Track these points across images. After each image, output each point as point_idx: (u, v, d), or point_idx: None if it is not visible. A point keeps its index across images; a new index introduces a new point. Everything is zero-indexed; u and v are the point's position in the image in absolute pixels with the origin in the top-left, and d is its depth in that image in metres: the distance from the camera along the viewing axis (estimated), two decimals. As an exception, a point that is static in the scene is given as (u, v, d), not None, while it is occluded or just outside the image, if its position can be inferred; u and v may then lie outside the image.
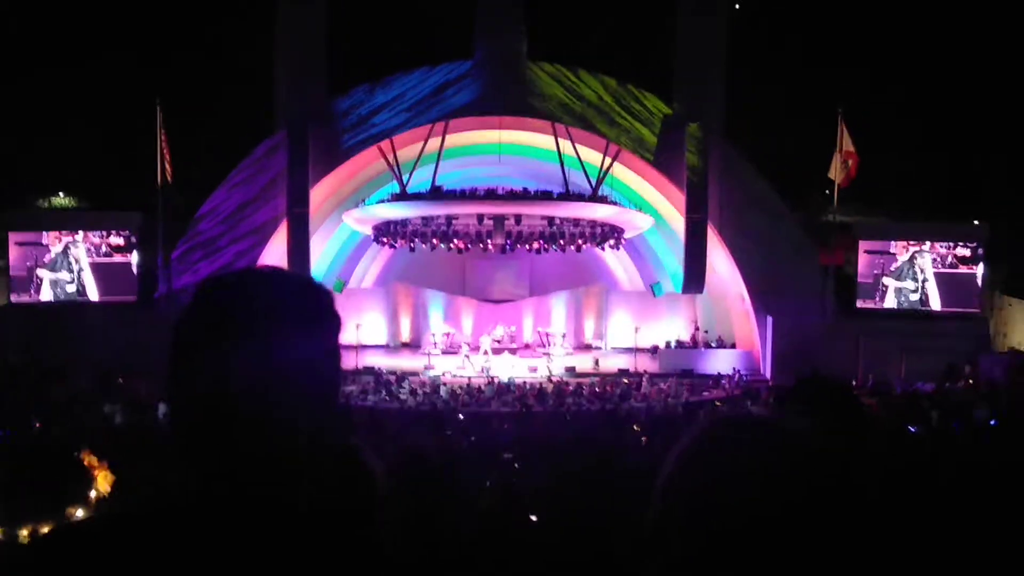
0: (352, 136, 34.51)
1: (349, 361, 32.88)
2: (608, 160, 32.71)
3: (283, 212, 32.65)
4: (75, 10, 42.32)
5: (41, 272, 33.15)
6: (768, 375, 32.21)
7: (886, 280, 33.97)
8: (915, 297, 33.90)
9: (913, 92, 41.59)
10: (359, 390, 29.73)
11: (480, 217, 31.79)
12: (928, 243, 33.84)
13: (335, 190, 34.13)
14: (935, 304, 33.71)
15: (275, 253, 32.29)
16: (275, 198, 33.22)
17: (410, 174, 32.46)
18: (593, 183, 32.26)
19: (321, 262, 34.93)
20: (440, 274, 37.41)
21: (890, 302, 34.03)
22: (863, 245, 34.34)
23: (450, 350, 35.08)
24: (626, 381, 31.05)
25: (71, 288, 33.32)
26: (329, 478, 2.90)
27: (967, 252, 33.58)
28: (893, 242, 34.17)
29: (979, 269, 33.44)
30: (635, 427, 21.09)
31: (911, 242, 33.95)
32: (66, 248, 33.38)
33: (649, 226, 33.44)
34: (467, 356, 33.62)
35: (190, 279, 31.82)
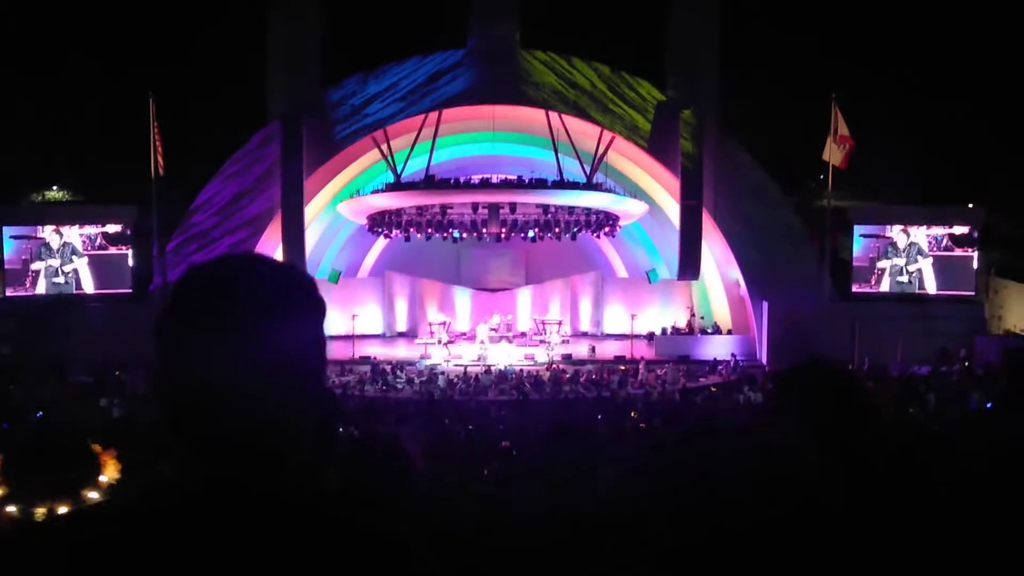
0: (346, 126, 34.43)
1: (345, 351, 32.90)
2: (602, 147, 32.67)
3: (278, 203, 32.58)
4: (67, 3, 42.14)
5: (36, 265, 33.07)
6: (764, 360, 32.24)
7: (881, 264, 34.01)
8: (905, 279, 33.93)
9: (907, 76, 41.56)
10: (356, 380, 29.73)
11: (475, 206, 31.74)
12: (924, 227, 33.87)
13: (329, 180, 34.06)
14: (931, 287, 33.76)
15: (270, 244, 32.24)
16: (269, 189, 33.16)
17: (404, 163, 32.42)
18: (588, 171, 32.21)
19: (316, 253, 34.88)
20: (435, 263, 37.36)
21: (886, 286, 34.07)
22: (858, 229, 34.37)
23: (446, 339, 35.06)
24: (623, 368, 31.07)
25: (65, 281, 33.22)
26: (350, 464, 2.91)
27: (964, 232, 33.62)
28: (889, 226, 34.20)
29: (975, 252, 33.49)
30: (632, 414, 21.13)
31: (906, 226, 33.99)
32: (62, 241, 33.29)
33: (644, 213, 33.40)
34: (444, 344, 33.62)
35: (185, 272, 31.75)
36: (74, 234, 33.40)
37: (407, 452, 2.99)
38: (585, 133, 33.02)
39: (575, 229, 32.59)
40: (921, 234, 33.88)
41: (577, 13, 43.22)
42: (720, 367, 31.75)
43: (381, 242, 36.85)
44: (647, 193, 34.21)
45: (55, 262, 33.16)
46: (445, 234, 32.58)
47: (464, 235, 32.79)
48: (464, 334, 35.92)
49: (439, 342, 34.16)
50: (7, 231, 33.24)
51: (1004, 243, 34.59)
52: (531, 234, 32.71)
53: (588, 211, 32.30)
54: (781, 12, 43.67)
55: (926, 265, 33.82)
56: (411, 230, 32.52)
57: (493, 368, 30.71)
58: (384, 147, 32.74)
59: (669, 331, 35.58)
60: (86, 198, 42.39)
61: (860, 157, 32.68)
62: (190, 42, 42.12)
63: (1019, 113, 39.86)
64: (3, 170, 39.25)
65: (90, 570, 1.52)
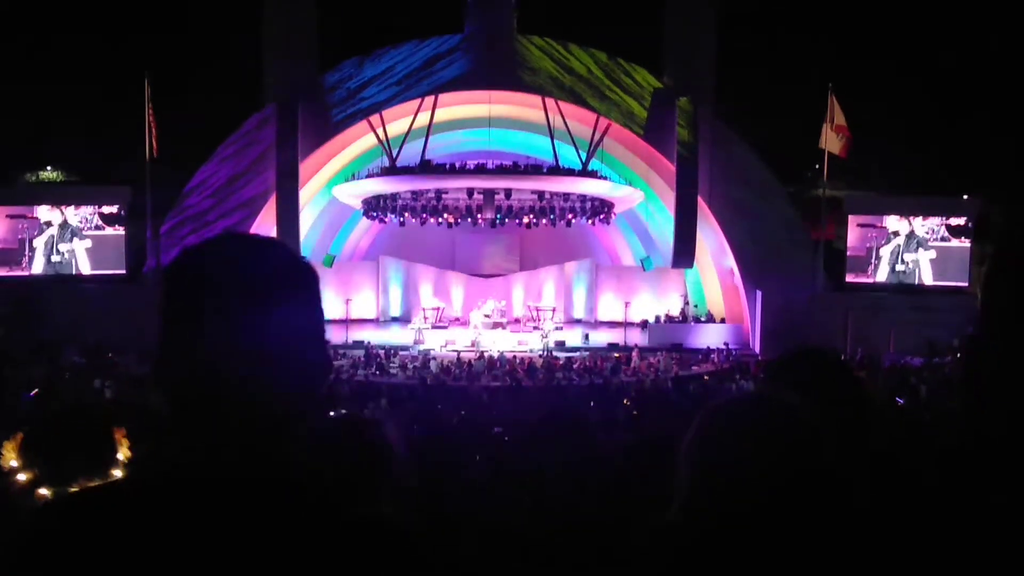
0: (341, 110, 34.35)
1: (339, 336, 32.91)
2: (598, 134, 32.63)
3: (272, 186, 32.53)
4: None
5: (36, 242, 33.02)
6: (757, 349, 32.31)
7: (883, 251, 34.02)
8: (903, 268, 33.99)
9: (903, 67, 41.56)
10: (349, 365, 29.72)
11: (470, 191, 31.70)
12: (920, 217, 33.92)
13: (324, 164, 34.00)
14: (928, 278, 33.81)
15: (264, 227, 32.18)
16: (264, 172, 33.09)
17: (399, 148, 32.35)
18: (583, 157, 32.19)
19: (311, 236, 34.86)
20: (430, 248, 37.35)
21: (883, 276, 34.13)
22: (853, 219, 34.42)
23: (440, 325, 35.08)
24: (616, 355, 31.12)
25: (62, 260, 33.17)
26: (327, 449, 2.89)
27: (959, 223, 33.68)
28: (884, 216, 34.24)
29: (969, 243, 33.56)
30: (625, 401, 21.17)
31: (903, 216, 34.04)
32: (60, 221, 33.22)
33: (639, 200, 33.40)
34: (433, 326, 33.62)
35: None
36: (69, 214, 33.30)
37: (388, 438, 2.97)
38: (581, 119, 32.97)
39: (570, 215, 32.58)
40: (919, 224, 33.92)
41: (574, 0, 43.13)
42: (713, 355, 31.80)
43: (376, 226, 36.81)
44: (642, 180, 34.20)
45: (53, 243, 33.10)
46: (440, 219, 32.55)
47: (459, 220, 32.76)
48: (458, 319, 35.92)
49: (433, 327, 34.18)
50: (2, 211, 33.16)
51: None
52: (526, 220, 32.69)
53: (583, 198, 32.30)
54: (777, 1, 43.62)
55: (924, 256, 33.87)
56: (406, 215, 32.49)
57: (486, 354, 30.74)
58: (380, 131, 32.67)
59: (663, 319, 35.62)
60: (80, 179, 42.27)
61: (855, 147, 32.67)
62: (186, 23, 41.94)
63: (1018, 103, 39.88)
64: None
65: (89, 554, 1.52)
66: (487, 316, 34.29)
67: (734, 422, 1.70)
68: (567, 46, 36.73)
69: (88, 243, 33.26)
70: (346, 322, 33.83)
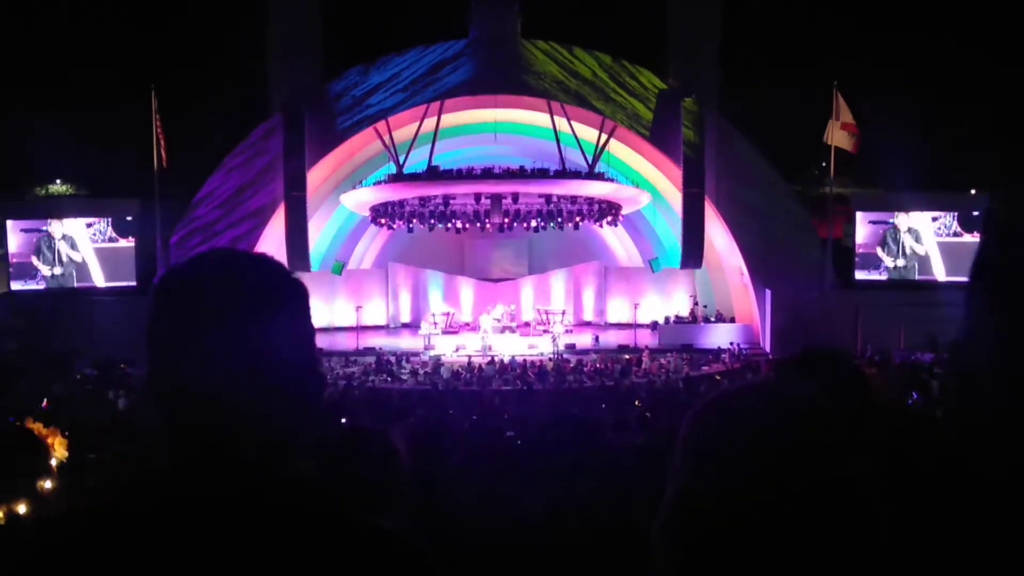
0: (348, 118, 34.42)
1: (350, 343, 33.03)
2: (604, 136, 32.65)
3: (280, 195, 32.60)
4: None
5: (46, 256, 33.12)
6: (768, 348, 32.26)
7: (890, 245, 33.93)
8: (903, 264, 33.92)
9: (909, 62, 41.46)
10: (360, 371, 29.79)
11: (477, 196, 31.72)
12: (926, 212, 33.85)
13: (332, 172, 34.08)
14: (940, 274, 33.71)
15: (273, 237, 32.26)
16: (272, 182, 33.18)
17: (406, 154, 32.40)
18: (589, 160, 32.20)
19: (319, 245, 34.92)
20: (439, 254, 37.42)
21: (889, 272, 34.07)
22: (864, 216, 34.34)
23: (450, 330, 35.12)
24: (626, 357, 31.10)
25: (63, 273, 33.25)
26: (333, 460, 2.91)
27: (960, 219, 33.62)
28: (894, 213, 34.16)
29: (976, 237, 33.44)
30: (636, 403, 21.16)
31: (909, 212, 33.96)
32: (62, 234, 33.34)
33: (647, 202, 33.39)
34: (443, 331, 33.63)
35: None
36: (75, 226, 33.41)
37: (395, 448, 2.98)
38: (587, 122, 32.99)
39: (578, 218, 32.59)
40: (924, 219, 33.83)
41: (579, 2, 43.13)
42: (724, 355, 31.77)
43: (384, 233, 36.87)
44: (649, 182, 34.19)
45: (50, 254, 33.22)
46: (448, 225, 32.58)
47: (467, 225, 32.79)
48: (468, 324, 35.95)
49: (443, 333, 34.23)
50: (17, 225, 33.28)
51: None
52: (533, 224, 32.71)
53: (590, 200, 32.30)
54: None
55: (933, 251, 33.77)
56: (414, 221, 32.52)
57: (497, 358, 30.76)
58: (386, 138, 32.74)
59: (672, 320, 35.59)
60: (89, 192, 42.44)
61: (863, 143, 32.60)
62: (191, 34, 42.08)
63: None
64: (6, 164, 39.31)
65: (80, 570, 1.52)
66: (497, 320, 34.31)
67: (735, 413, 1.55)
68: (572, 49, 36.76)
69: (92, 253, 33.35)
70: (357, 329, 33.93)
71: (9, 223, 33.14)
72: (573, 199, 32.14)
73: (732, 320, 34.95)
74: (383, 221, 33.10)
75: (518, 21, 35.21)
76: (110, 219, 33.58)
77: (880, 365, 27.50)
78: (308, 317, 1.70)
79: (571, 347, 32.71)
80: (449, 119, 33.06)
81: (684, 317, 35.88)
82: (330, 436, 2.98)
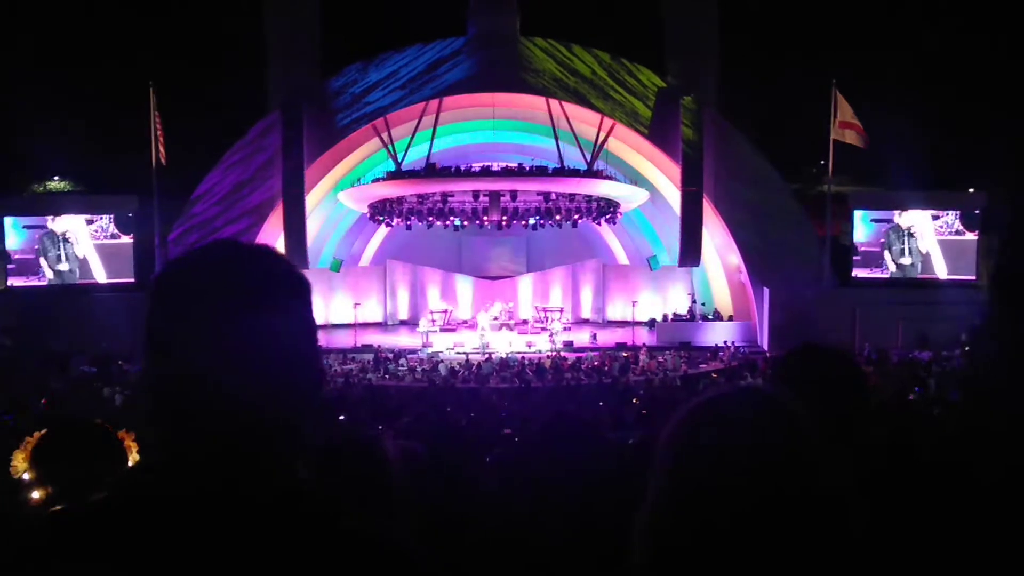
0: (346, 115, 34.42)
1: (347, 340, 33.03)
2: (603, 134, 32.66)
3: (279, 192, 32.58)
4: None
5: (50, 254, 33.07)
6: (765, 346, 32.29)
7: (896, 244, 33.92)
8: (908, 262, 33.93)
9: (909, 60, 41.46)
10: (358, 368, 29.81)
11: (475, 194, 31.70)
12: (925, 210, 33.85)
13: (330, 169, 34.05)
14: (941, 272, 33.72)
15: (271, 233, 32.25)
16: (270, 179, 33.16)
17: (405, 152, 32.41)
18: (588, 158, 32.21)
19: (317, 242, 34.90)
20: (437, 251, 37.42)
21: (891, 270, 34.07)
22: (868, 215, 34.33)
23: (448, 327, 35.13)
24: (624, 355, 31.11)
25: (70, 269, 33.20)
26: (324, 463, 2.89)
27: (962, 217, 33.63)
28: (895, 211, 34.15)
29: (976, 236, 33.49)
30: (634, 400, 21.18)
31: (910, 210, 33.95)
32: (63, 230, 33.27)
33: (645, 200, 33.40)
34: (440, 329, 33.63)
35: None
36: (75, 223, 33.33)
37: (387, 455, 2.95)
38: (585, 120, 33.00)
39: (576, 216, 32.58)
40: (925, 218, 33.83)
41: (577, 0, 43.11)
42: (721, 353, 31.79)
43: (382, 230, 36.87)
44: (648, 180, 34.21)
45: (56, 251, 33.18)
46: (446, 222, 32.59)
47: (465, 223, 32.80)
48: (465, 322, 35.96)
49: (440, 330, 34.25)
50: (14, 221, 33.18)
51: (1010, 228, 34.42)
52: (532, 221, 32.71)
53: (589, 198, 32.29)
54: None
55: (934, 250, 33.77)
56: (412, 218, 32.51)
57: (495, 356, 30.77)
58: (385, 135, 32.74)
59: (670, 318, 35.61)
60: (87, 188, 42.43)
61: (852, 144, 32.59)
62: (190, 31, 42.02)
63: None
64: (4, 161, 39.29)
65: (70, 569, 1.50)
66: (495, 318, 34.33)
67: (716, 421, 1.57)
68: (570, 47, 36.77)
69: (92, 249, 33.30)
70: (354, 326, 33.97)
71: (8, 220, 33.03)
72: (571, 197, 32.14)
73: (730, 318, 34.98)
74: (381, 218, 33.08)
75: (516, 19, 35.20)
76: (112, 216, 33.47)
77: (877, 363, 27.55)
78: (310, 311, 1.67)
79: (569, 344, 32.73)
80: (448, 116, 33.07)
81: (682, 315, 35.91)
82: (322, 444, 2.94)
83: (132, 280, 33.07)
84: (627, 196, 32.56)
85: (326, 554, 1.53)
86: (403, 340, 34.13)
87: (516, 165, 32.54)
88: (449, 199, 31.94)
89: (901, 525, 2.50)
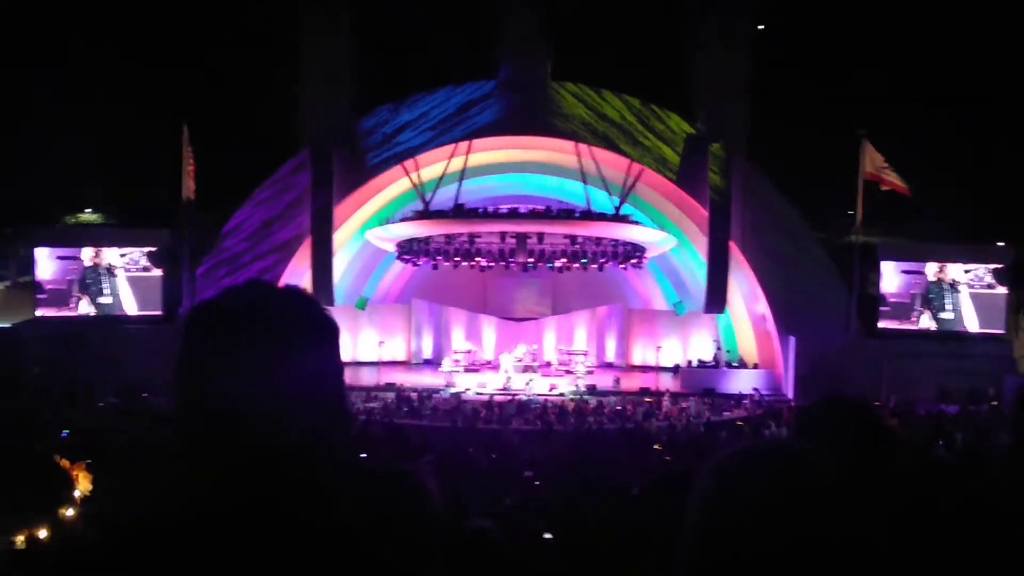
0: (376, 154, 34.73)
1: (371, 378, 33.07)
2: (631, 179, 32.75)
3: (307, 230, 32.85)
4: (102, 27, 42.74)
5: (92, 287, 33.23)
6: (790, 395, 32.04)
7: (935, 301, 33.62)
8: (951, 316, 33.59)
9: (934, 112, 41.39)
10: (381, 407, 29.81)
11: (502, 235, 31.84)
12: (962, 264, 33.58)
13: (358, 208, 34.29)
14: (972, 326, 33.39)
15: (299, 270, 32.48)
16: (299, 216, 33.44)
17: (433, 192, 32.61)
18: (616, 202, 32.29)
19: (344, 279, 35.06)
20: (462, 292, 37.47)
21: (925, 323, 33.75)
22: (891, 265, 34.13)
23: (472, 368, 35.10)
24: (648, 400, 30.94)
25: (107, 301, 33.38)
26: (362, 499, 2.90)
27: (998, 268, 33.37)
28: (926, 263, 33.91)
29: (1005, 290, 33.24)
30: (656, 446, 21.06)
31: (942, 263, 33.70)
32: (105, 263, 33.44)
33: (672, 246, 33.40)
34: (465, 370, 33.59)
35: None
36: (113, 256, 33.51)
37: (425, 486, 2.95)
38: (614, 165, 33.12)
39: (602, 260, 32.60)
40: (958, 271, 33.57)
41: (608, 46, 43.37)
42: (746, 401, 31.57)
43: (409, 269, 37.01)
44: (675, 225, 34.21)
45: (99, 285, 33.32)
46: (472, 263, 32.69)
47: (491, 264, 32.88)
48: (489, 363, 35.92)
49: (464, 370, 34.24)
50: (53, 252, 33.40)
51: None
52: (558, 264, 32.76)
53: (615, 242, 32.33)
54: (810, 47, 43.65)
55: (967, 303, 33.48)
56: (439, 258, 32.64)
57: (517, 397, 30.70)
58: (414, 176, 32.98)
59: (695, 364, 35.45)
60: (119, 221, 42.85)
61: (890, 193, 32.44)
62: (223, 68, 42.56)
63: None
64: (37, 192, 39.78)
65: None
66: (518, 360, 34.29)
67: (743, 480, 1.62)
68: (600, 92, 37.02)
69: (126, 285, 33.50)
70: (378, 364, 34.06)
71: (40, 251, 33.31)
72: (598, 240, 32.18)
73: (755, 366, 34.75)
74: (408, 257, 33.22)
75: (548, 64, 35.51)
76: (145, 249, 33.67)
77: (902, 415, 27.26)
78: (338, 354, 1.70)
79: (592, 388, 32.60)
80: (477, 159, 33.27)
81: (707, 361, 35.72)
82: (362, 476, 2.94)
83: (160, 312, 33.28)
84: (653, 241, 32.57)
85: None
86: (426, 379, 34.10)
87: (543, 208, 32.65)
88: (476, 240, 32.08)
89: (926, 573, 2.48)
